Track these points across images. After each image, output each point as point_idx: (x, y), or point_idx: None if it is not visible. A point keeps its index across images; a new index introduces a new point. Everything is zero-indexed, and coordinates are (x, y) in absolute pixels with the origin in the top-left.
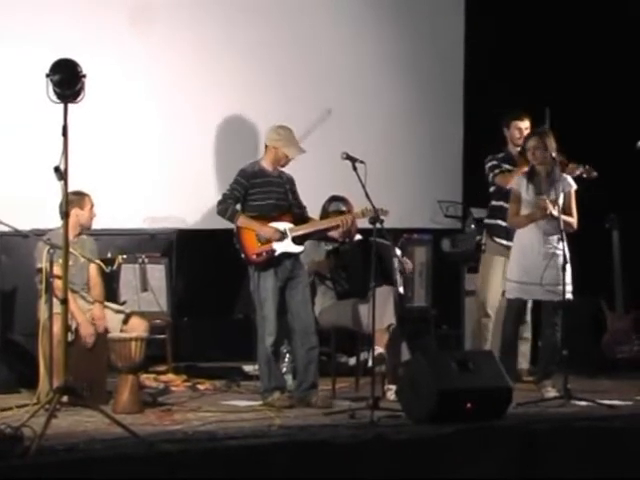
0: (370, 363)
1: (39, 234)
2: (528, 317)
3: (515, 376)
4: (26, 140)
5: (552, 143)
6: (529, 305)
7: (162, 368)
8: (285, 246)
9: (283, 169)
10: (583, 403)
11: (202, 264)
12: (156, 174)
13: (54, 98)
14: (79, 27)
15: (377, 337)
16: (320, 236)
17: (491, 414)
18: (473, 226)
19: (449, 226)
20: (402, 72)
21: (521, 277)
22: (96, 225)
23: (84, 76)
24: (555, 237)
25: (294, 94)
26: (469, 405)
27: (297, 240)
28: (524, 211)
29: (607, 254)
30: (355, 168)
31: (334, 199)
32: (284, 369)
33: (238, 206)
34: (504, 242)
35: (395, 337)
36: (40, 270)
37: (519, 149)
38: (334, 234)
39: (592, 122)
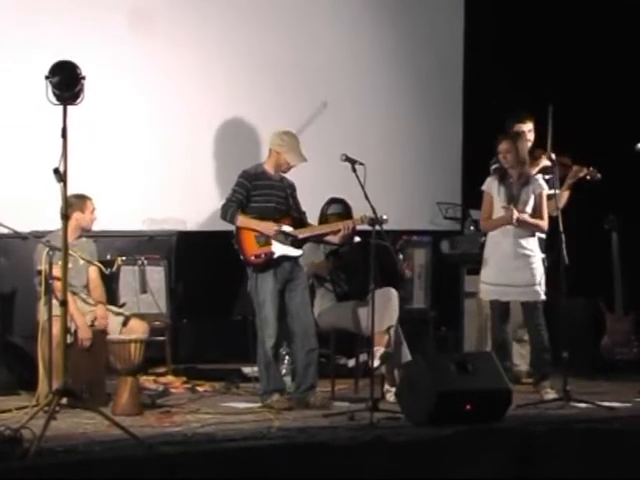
0: (371, 364)
1: (38, 236)
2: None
3: (511, 377)
4: (26, 142)
5: (524, 146)
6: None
7: (161, 370)
8: (284, 249)
9: (285, 175)
10: (582, 405)
11: (201, 266)
12: (155, 176)
13: (53, 100)
14: (78, 29)
15: (376, 339)
16: (319, 239)
17: (490, 416)
18: (472, 228)
19: (448, 228)
20: (401, 73)
21: (496, 279)
22: (95, 227)
23: (83, 78)
24: (527, 239)
25: (293, 95)
26: (468, 407)
27: (296, 243)
28: (497, 213)
29: (606, 256)
30: (354, 170)
31: (333, 201)
32: (283, 371)
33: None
34: None
35: (395, 339)
36: (40, 272)
37: None
38: (334, 239)
39: (592, 124)
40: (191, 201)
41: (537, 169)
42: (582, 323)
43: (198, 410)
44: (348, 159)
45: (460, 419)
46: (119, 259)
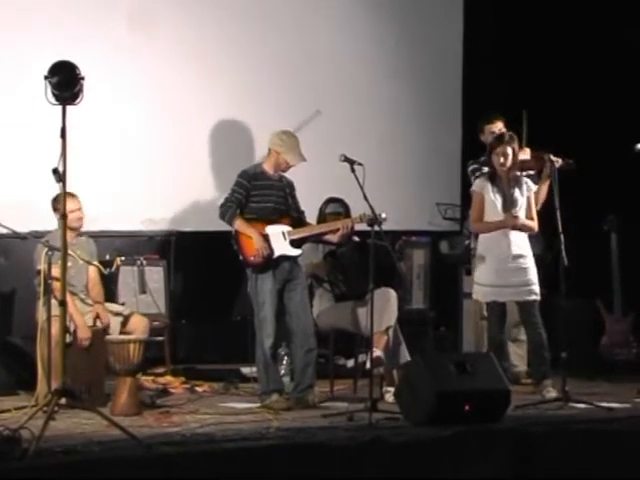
0: (368, 365)
1: (38, 236)
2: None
3: (509, 378)
4: (25, 142)
5: (517, 148)
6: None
7: (160, 370)
8: (283, 249)
9: (284, 174)
10: (581, 405)
11: (200, 266)
12: (154, 176)
13: (53, 100)
14: (78, 29)
15: (375, 339)
16: (317, 239)
17: (489, 416)
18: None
19: (447, 228)
20: (401, 74)
21: (493, 281)
22: (95, 227)
23: (82, 78)
24: (521, 239)
25: (293, 97)
26: (467, 407)
27: (295, 243)
28: (489, 214)
29: (605, 256)
30: (353, 170)
31: (331, 201)
32: (282, 371)
33: (238, 210)
34: None
35: (394, 339)
36: (39, 272)
37: None
38: (332, 238)
39: (592, 124)
40: (190, 201)
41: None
42: (581, 324)
43: (197, 410)
44: (347, 159)
45: (459, 419)
46: (118, 259)
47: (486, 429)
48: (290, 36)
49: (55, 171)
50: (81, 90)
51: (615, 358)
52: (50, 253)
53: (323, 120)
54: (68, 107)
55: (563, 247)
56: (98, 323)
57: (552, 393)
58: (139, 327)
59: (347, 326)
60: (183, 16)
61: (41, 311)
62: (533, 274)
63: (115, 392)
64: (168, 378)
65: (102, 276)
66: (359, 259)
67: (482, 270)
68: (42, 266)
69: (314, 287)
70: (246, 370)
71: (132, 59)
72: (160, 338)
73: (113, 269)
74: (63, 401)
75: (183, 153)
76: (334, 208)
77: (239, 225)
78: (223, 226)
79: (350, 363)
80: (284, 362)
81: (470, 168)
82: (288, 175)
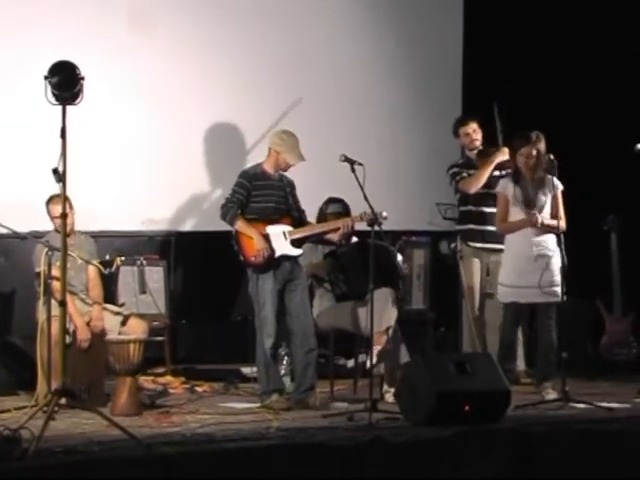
0: (369, 364)
1: (37, 236)
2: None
3: (514, 378)
4: (24, 142)
5: (543, 147)
6: None
7: (160, 370)
8: (284, 249)
9: (284, 173)
10: (581, 405)
11: (200, 266)
12: (154, 176)
13: (53, 100)
14: (78, 29)
15: (375, 339)
16: (318, 239)
17: (489, 416)
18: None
19: (447, 228)
20: (401, 73)
21: (515, 281)
22: (95, 227)
23: (82, 78)
24: (545, 238)
25: (292, 97)
26: (467, 407)
27: (296, 243)
28: (513, 215)
29: (605, 256)
30: (354, 170)
31: (331, 201)
32: (282, 371)
33: (239, 210)
34: (478, 245)
35: (394, 339)
36: (38, 274)
37: (476, 152)
38: (333, 237)
39: (591, 124)
40: (190, 202)
41: (492, 166)
42: (581, 324)
43: (197, 410)
44: (347, 159)
45: (459, 420)
46: (118, 259)
47: (486, 429)
48: (290, 36)
49: (55, 171)
50: (81, 90)
51: (615, 358)
52: (50, 253)
53: (323, 120)
54: (68, 107)
55: (563, 247)
56: (91, 324)
57: (551, 395)
58: (137, 330)
59: (347, 326)
60: (183, 16)
61: (41, 311)
62: (556, 275)
63: (115, 392)
64: (168, 378)
65: (102, 276)
66: (359, 259)
67: (505, 270)
68: (42, 266)
69: (314, 287)
70: (246, 370)
71: (132, 59)
72: (160, 338)
73: (113, 269)
74: (63, 401)
75: (183, 153)
76: (335, 208)
77: (240, 226)
78: (223, 226)
79: (350, 363)
80: (284, 362)
81: (450, 172)
82: (288, 175)
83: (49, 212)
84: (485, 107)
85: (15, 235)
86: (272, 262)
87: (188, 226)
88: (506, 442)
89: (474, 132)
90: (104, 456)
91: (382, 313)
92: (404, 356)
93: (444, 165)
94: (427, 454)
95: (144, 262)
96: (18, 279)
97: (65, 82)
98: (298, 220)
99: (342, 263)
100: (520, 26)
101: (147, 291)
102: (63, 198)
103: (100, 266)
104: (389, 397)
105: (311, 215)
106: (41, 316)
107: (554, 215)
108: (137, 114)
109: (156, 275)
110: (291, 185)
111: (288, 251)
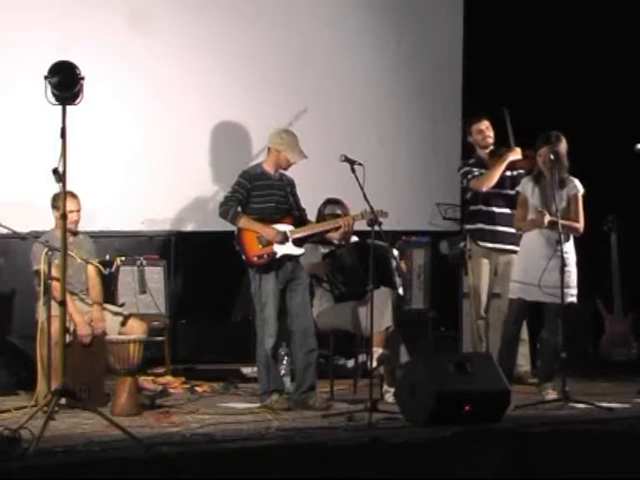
0: (370, 365)
1: (37, 236)
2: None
3: (513, 377)
4: (24, 142)
5: (564, 148)
6: None
7: (160, 370)
8: (286, 248)
9: (284, 172)
10: (581, 405)
11: (200, 266)
12: (154, 176)
13: (52, 100)
14: (78, 29)
15: (375, 339)
16: (319, 238)
17: (489, 417)
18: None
19: (447, 228)
20: (401, 75)
21: (522, 277)
22: (95, 227)
23: (82, 78)
24: (562, 240)
25: (293, 97)
26: (467, 408)
27: (298, 242)
28: (530, 214)
29: (605, 256)
30: (353, 170)
31: (330, 202)
32: (282, 371)
33: (239, 208)
34: (489, 245)
35: (393, 339)
36: (37, 272)
37: (487, 151)
38: (333, 236)
39: (591, 124)
40: (190, 202)
41: (504, 164)
42: (581, 324)
43: (197, 410)
44: (347, 159)
45: (459, 420)
46: (118, 259)
47: (486, 429)
48: (290, 36)
49: (55, 171)
50: (81, 90)
51: (615, 358)
52: (49, 253)
53: (323, 120)
54: (68, 107)
55: (569, 248)
56: (92, 325)
57: (551, 395)
58: (137, 330)
59: (347, 326)
60: (183, 17)
61: (41, 311)
62: (570, 278)
63: (115, 392)
64: (168, 378)
65: (102, 276)
66: (359, 259)
67: (517, 267)
68: (42, 266)
69: (314, 287)
70: (246, 370)
71: (132, 59)
72: (160, 338)
73: (113, 269)
74: (63, 401)
75: (183, 153)
76: (333, 209)
77: (244, 222)
78: (223, 226)
79: (350, 363)
80: (284, 362)
81: (461, 171)
82: (288, 174)
83: (57, 210)
84: (485, 107)
85: (15, 235)
86: (274, 262)
87: (188, 226)
88: (506, 442)
89: (487, 129)
90: (104, 456)
91: (382, 313)
92: (404, 356)
93: (444, 165)
94: (427, 454)
95: (144, 262)
96: (18, 279)
97: (65, 82)
98: (299, 219)
99: (342, 263)
100: (520, 26)
101: (147, 291)
102: (63, 198)
103: (100, 266)
104: (389, 397)
105: (311, 215)
106: (41, 316)
107: (572, 217)
108: (137, 114)
109: (156, 275)
110: (291, 184)
111: (290, 251)
